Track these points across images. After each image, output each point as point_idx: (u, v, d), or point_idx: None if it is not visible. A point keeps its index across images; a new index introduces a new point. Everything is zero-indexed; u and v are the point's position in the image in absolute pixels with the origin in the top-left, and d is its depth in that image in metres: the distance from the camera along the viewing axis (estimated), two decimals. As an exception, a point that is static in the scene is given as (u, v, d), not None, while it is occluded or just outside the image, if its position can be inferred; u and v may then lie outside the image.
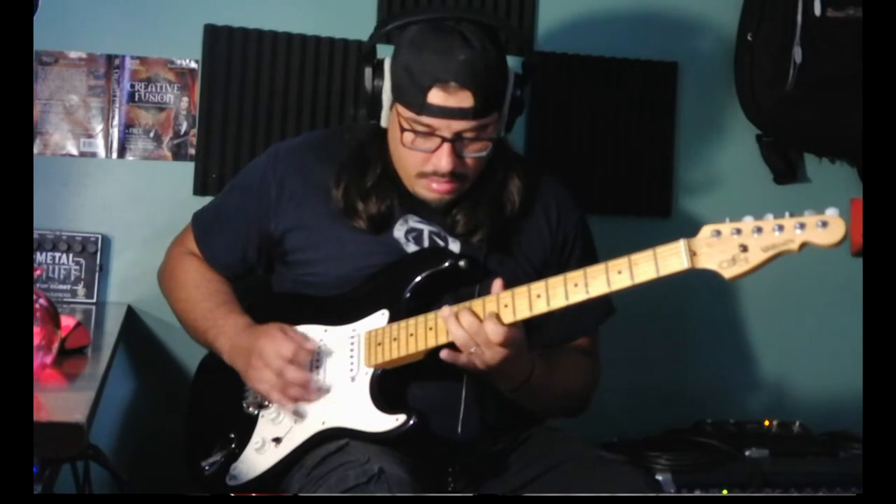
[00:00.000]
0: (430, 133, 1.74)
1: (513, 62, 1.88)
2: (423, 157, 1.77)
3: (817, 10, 2.48)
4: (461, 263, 1.77)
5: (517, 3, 2.53)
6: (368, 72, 1.82)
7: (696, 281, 1.54)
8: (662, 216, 2.64)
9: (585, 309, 1.62)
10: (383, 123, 1.84)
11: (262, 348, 1.75)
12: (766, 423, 2.50)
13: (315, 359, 1.78)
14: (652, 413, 2.57)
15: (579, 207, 1.99)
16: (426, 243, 1.84)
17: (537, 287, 1.60)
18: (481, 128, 1.75)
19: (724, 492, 2.18)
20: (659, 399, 2.63)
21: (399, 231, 1.85)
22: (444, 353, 1.66)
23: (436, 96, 1.72)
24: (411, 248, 1.84)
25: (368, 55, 1.84)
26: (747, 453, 2.25)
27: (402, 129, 1.76)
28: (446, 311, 1.64)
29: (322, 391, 1.75)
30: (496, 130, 1.80)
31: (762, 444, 2.28)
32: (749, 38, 2.59)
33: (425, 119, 1.73)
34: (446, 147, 1.74)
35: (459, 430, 1.76)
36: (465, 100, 1.71)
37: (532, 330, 1.70)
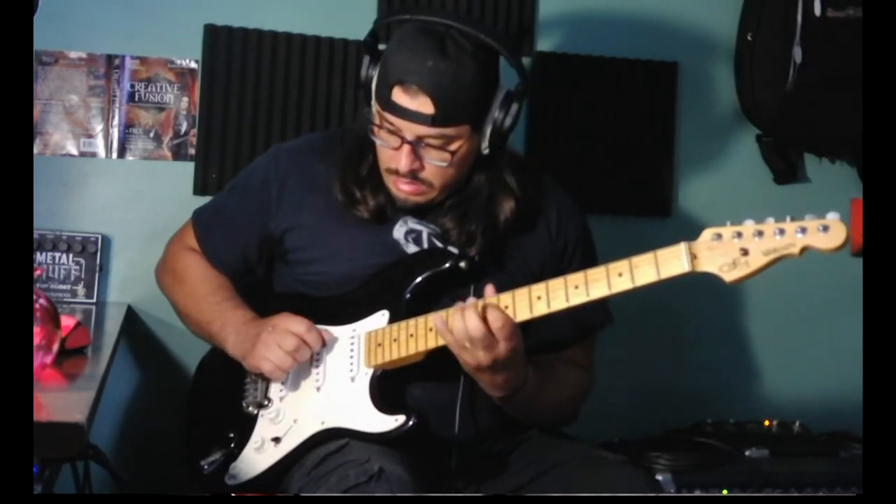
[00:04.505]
0: (393, 131, 1.74)
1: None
2: (391, 153, 1.77)
3: (817, 10, 2.48)
4: (461, 264, 1.76)
5: (517, 3, 2.53)
6: (366, 59, 1.82)
7: (696, 282, 1.53)
8: (662, 216, 2.64)
9: (582, 316, 1.60)
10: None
11: (275, 322, 1.75)
12: (766, 423, 2.50)
13: (315, 359, 1.78)
14: (652, 413, 2.58)
15: (580, 212, 1.97)
16: (426, 244, 1.84)
17: (538, 289, 1.60)
18: (444, 137, 1.73)
19: (724, 492, 2.18)
20: (659, 399, 2.63)
21: (399, 232, 1.85)
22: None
23: (398, 95, 1.72)
24: (411, 248, 1.83)
25: (368, 44, 1.84)
26: (747, 453, 2.25)
27: (371, 122, 1.78)
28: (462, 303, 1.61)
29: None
30: (469, 144, 1.76)
31: (762, 444, 2.27)
32: (749, 38, 2.59)
33: (388, 115, 1.74)
34: (406, 148, 1.74)
35: (456, 430, 1.76)
36: (424, 105, 1.70)
37: (527, 334, 1.68)
